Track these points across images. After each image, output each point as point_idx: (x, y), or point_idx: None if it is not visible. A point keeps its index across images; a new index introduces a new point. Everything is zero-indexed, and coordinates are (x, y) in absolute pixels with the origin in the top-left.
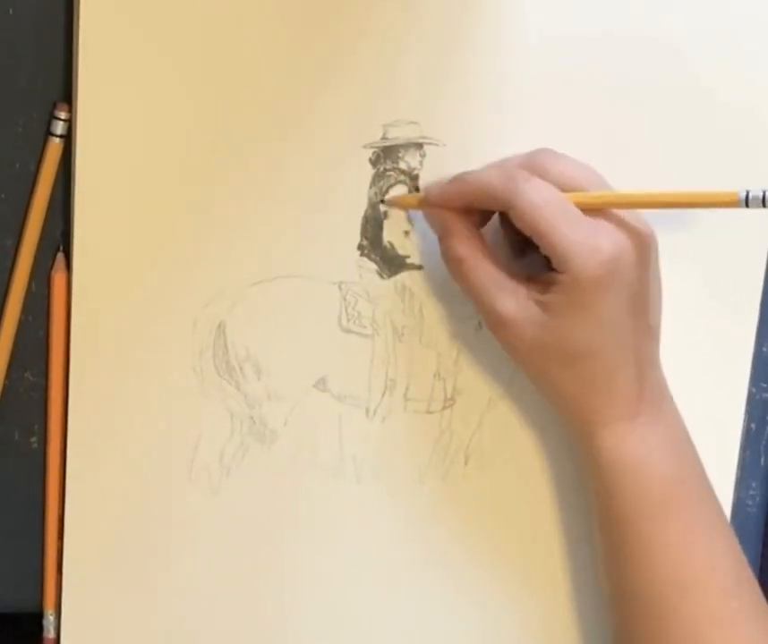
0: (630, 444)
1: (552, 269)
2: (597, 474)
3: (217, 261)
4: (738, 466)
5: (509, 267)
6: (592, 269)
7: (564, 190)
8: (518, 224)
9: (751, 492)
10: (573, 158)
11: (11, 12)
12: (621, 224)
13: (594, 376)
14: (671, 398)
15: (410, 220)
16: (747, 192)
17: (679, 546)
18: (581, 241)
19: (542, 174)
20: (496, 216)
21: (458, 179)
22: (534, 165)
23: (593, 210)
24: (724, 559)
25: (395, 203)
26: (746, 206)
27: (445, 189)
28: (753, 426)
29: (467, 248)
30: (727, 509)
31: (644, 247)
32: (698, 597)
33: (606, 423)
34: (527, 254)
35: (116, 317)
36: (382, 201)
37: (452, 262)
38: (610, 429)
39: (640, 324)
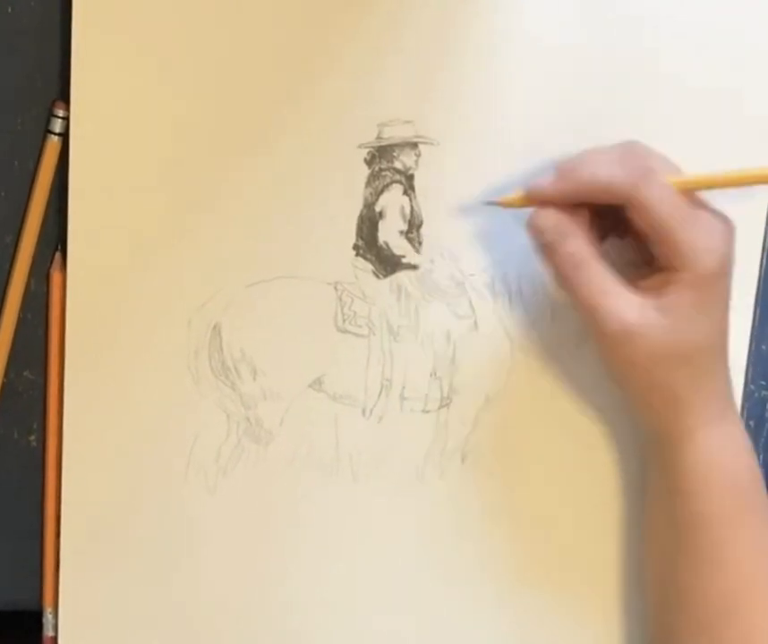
0: (722, 444)
1: (662, 270)
2: (684, 474)
3: (213, 262)
4: None
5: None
6: (711, 265)
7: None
8: (638, 220)
9: None
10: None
11: (10, 10)
12: (719, 216)
13: (705, 372)
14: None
15: (406, 220)
16: None
17: (751, 549)
18: (702, 237)
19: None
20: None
21: (569, 172)
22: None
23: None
24: None
25: (498, 203)
26: None
27: (558, 184)
28: (751, 423)
29: (587, 252)
30: None
31: (734, 238)
32: (757, 604)
33: (701, 424)
34: (625, 258)
35: (112, 317)
36: (492, 203)
37: (570, 267)
38: (705, 430)
39: (728, 316)
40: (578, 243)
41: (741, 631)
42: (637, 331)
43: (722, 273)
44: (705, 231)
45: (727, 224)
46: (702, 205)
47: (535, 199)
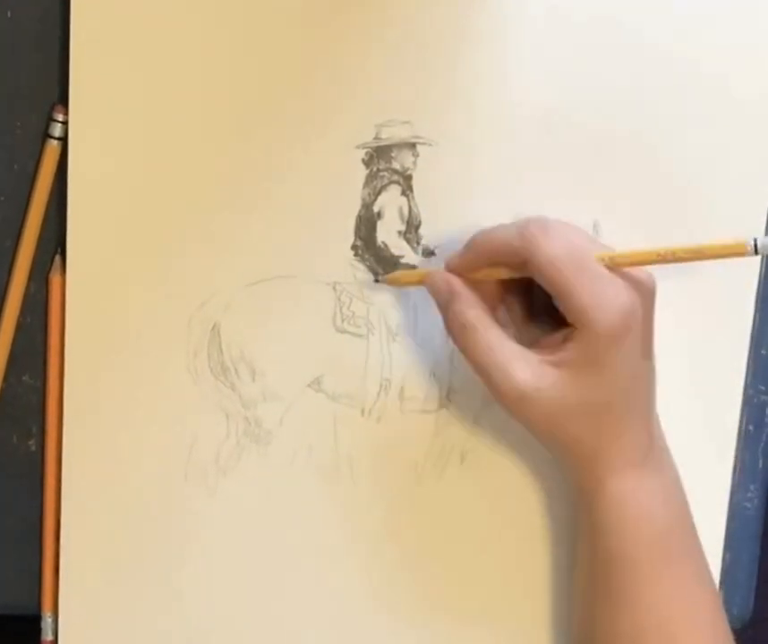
0: (639, 490)
1: (563, 327)
2: (602, 517)
3: (212, 262)
4: (736, 468)
5: (515, 336)
6: (611, 322)
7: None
8: (537, 278)
9: (749, 494)
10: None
11: (9, 14)
12: (630, 274)
13: (611, 425)
14: (668, 447)
15: (404, 220)
16: (755, 240)
17: (671, 593)
18: (599, 294)
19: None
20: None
21: (474, 242)
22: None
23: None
24: (708, 613)
25: (395, 281)
26: (756, 253)
27: (464, 254)
28: (751, 428)
29: (477, 313)
30: (724, 512)
31: (649, 294)
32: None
33: (617, 470)
34: (528, 322)
35: (111, 319)
36: (377, 281)
37: (460, 329)
38: (621, 475)
39: (648, 370)
40: (469, 305)
41: None
42: (530, 391)
43: (622, 332)
44: (606, 289)
45: (638, 286)
46: (616, 268)
47: (449, 269)
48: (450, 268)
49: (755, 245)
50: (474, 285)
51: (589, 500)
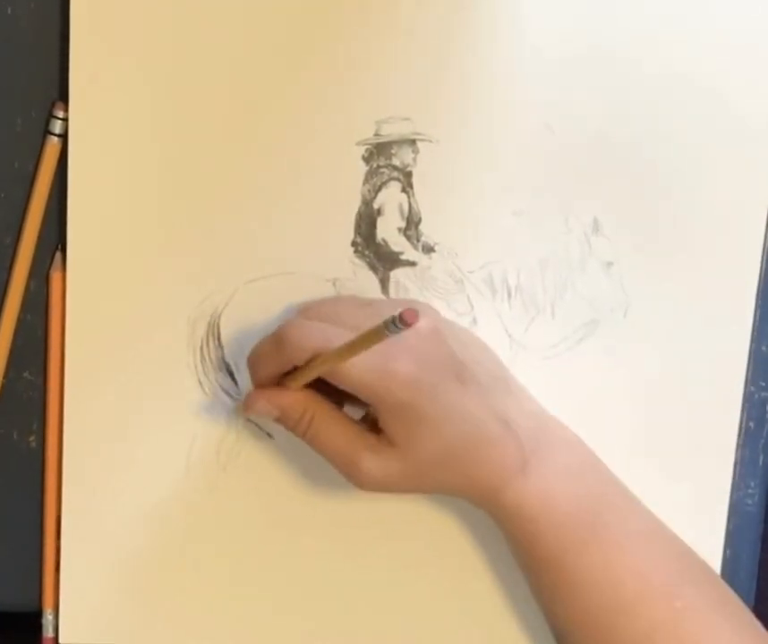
0: (530, 492)
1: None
2: (510, 529)
3: (212, 258)
4: (736, 465)
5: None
6: (396, 392)
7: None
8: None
9: (750, 491)
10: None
11: (9, 11)
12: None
13: (470, 460)
14: (560, 426)
15: (404, 217)
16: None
17: (606, 566)
18: (373, 368)
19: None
20: None
21: (249, 364)
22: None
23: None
24: (662, 562)
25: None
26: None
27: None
28: (751, 424)
29: (302, 418)
30: (725, 508)
31: (430, 331)
32: (637, 610)
33: (501, 487)
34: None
35: (111, 316)
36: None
37: (304, 426)
38: (507, 489)
39: (477, 389)
40: (290, 414)
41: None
42: (381, 477)
43: (418, 388)
44: (382, 361)
45: (420, 330)
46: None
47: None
48: (260, 386)
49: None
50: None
51: (494, 520)
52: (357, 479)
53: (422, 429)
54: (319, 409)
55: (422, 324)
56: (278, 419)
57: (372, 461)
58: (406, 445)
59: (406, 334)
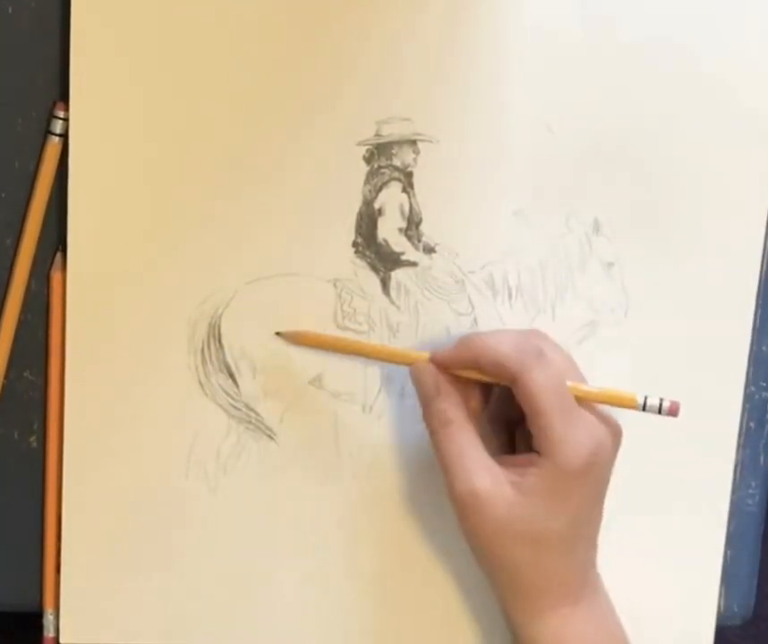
0: (571, 629)
1: (532, 451)
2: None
3: (213, 259)
4: (737, 465)
5: (486, 444)
6: (575, 462)
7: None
8: (519, 398)
9: (750, 491)
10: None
11: (10, 10)
12: (602, 418)
13: (552, 560)
14: (603, 583)
15: (405, 217)
16: (645, 398)
17: None
18: (571, 431)
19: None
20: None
21: (467, 343)
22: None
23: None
24: None
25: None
26: (644, 410)
27: (454, 352)
28: (752, 425)
29: (457, 413)
30: (725, 509)
31: (616, 442)
32: None
33: (552, 606)
34: (501, 435)
35: (112, 317)
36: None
37: (438, 424)
38: (555, 612)
39: (598, 512)
40: (450, 403)
41: None
42: (485, 498)
43: (586, 471)
44: (578, 427)
45: (608, 428)
46: (592, 407)
47: (435, 362)
48: (437, 362)
49: (645, 403)
50: (455, 380)
51: (523, 630)
52: (465, 486)
53: (560, 502)
54: (463, 415)
55: None
56: (429, 399)
57: (488, 482)
58: (537, 500)
59: (609, 423)
